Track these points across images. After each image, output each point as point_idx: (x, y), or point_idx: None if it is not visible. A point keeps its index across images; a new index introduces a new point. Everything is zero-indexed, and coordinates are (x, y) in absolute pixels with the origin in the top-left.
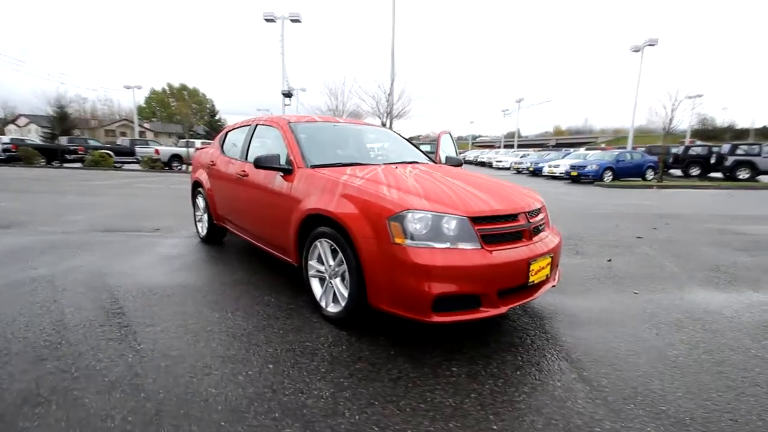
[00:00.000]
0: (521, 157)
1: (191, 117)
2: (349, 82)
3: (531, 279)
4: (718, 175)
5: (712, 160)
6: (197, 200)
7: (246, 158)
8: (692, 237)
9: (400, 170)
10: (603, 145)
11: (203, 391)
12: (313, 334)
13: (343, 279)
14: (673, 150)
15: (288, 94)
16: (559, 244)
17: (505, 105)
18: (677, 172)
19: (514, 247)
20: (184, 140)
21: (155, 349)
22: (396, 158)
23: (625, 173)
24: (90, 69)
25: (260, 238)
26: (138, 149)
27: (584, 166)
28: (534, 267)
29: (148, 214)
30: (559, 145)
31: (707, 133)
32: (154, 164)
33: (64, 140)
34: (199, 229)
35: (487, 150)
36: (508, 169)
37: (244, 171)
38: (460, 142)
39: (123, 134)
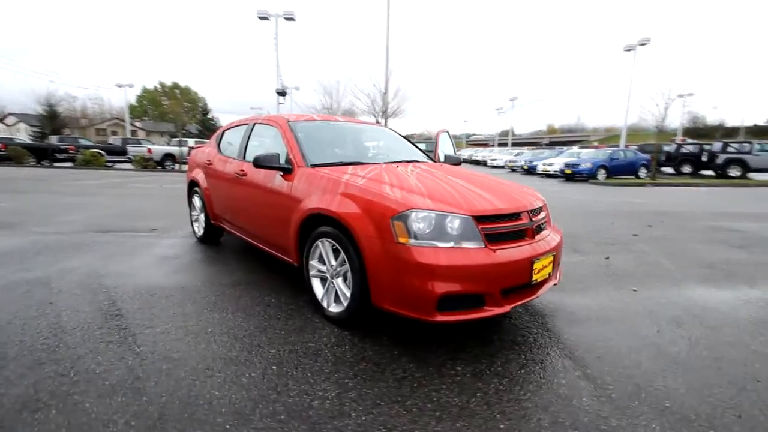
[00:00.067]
0: (516, 155)
1: (183, 116)
2: (343, 80)
3: (534, 278)
4: (710, 172)
5: (704, 158)
6: (193, 200)
7: (244, 157)
8: (687, 234)
9: (401, 169)
10: (596, 143)
11: (206, 394)
12: (315, 335)
13: (345, 279)
14: (666, 148)
15: (282, 93)
16: (561, 243)
17: (499, 104)
18: (669, 169)
19: (518, 246)
20: (177, 139)
21: (155, 351)
22: (396, 157)
23: (618, 171)
24: (80, 67)
25: (259, 238)
26: (130, 148)
27: (578, 165)
28: (537, 266)
29: (143, 214)
30: (552, 144)
31: (698, 131)
32: (146, 163)
33: (55, 139)
34: (196, 229)
35: (481, 148)
36: (503, 167)
37: (242, 170)
38: (455, 141)
39: (114, 133)
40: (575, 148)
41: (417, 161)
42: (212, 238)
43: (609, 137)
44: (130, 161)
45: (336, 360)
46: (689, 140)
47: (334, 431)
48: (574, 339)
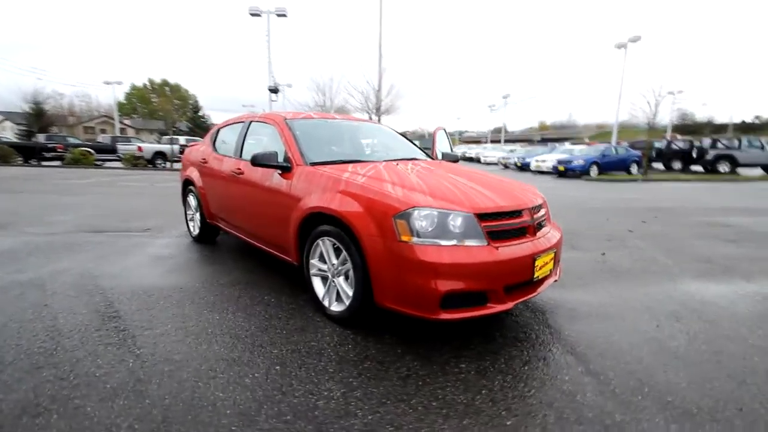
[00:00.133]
0: (509, 152)
1: (174, 113)
2: (337, 77)
3: (536, 274)
4: (699, 168)
5: (694, 154)
6: (188, 199)
7: (240, 156)
8: (681, 229)
9: (401, 167)
10: (587, 140)
11: (210, 396)
12: (317, 334)
13: (346, 277)
14: (656, 144)
15: (275, 90)
16: (561, 240)
17: (491, 101)
18: (660, 165)
19: (520, 244)
20: (168, 137)
21: (156, 353)
22: (394, 155)
23: (610, 167)
24: (67, 64)
25: (257, 237)
26: (120, 146)
27: (571, 161)
28: (539, 263)
29: (136, 213)
30: (544, 140)
31: (687, 128)
32: (137, 162)
33: (42, 138)
34: (191, 228)
35: (474, 145)
36: (496, 164)
37: (239, 169)
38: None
39: (103, 131)
40: (567, 145)
41: (416, 159)
42: (208, 237)
43: (600, 134)
44: (119, 160)
45: (339, 359)
46: (679, 136)
47: (341, 431)
48: (575, 335)
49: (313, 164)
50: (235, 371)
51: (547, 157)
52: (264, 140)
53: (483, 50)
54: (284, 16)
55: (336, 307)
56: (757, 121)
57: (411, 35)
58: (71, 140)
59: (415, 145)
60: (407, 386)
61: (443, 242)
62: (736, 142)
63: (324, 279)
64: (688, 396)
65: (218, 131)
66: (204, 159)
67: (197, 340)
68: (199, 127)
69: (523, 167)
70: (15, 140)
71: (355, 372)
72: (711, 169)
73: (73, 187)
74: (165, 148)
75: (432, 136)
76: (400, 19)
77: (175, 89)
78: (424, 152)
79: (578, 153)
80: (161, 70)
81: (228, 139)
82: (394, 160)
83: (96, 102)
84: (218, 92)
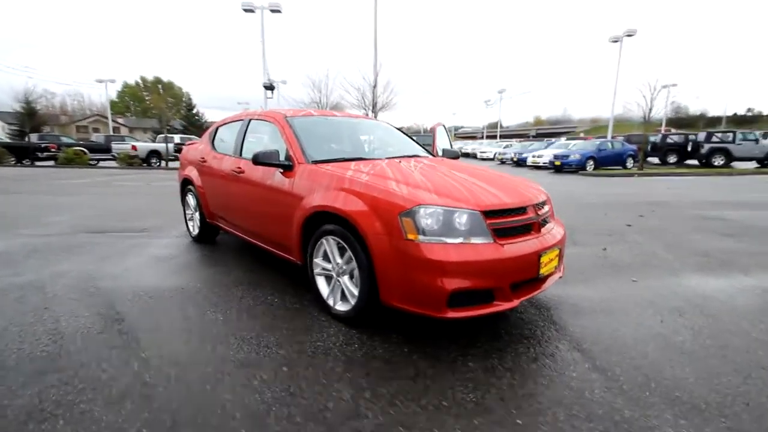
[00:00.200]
0: (505, 147)
1: (167, 111)
2: (332, 74)
3: (541, 271)
4: (695, 162)
5: (689, 148)
6: (187, 198)
7: (240, 154)
8: (679, 224)
9: (404, 164)
10: (582, 135)
11: (219, 398)
12: (323, 334)
13: (351, 277)
14: (651, 138)
15: (270, 87)
16: (565, 236)
17: (486, 96)
18: (655, 159)
19: (525, 240)
20: (163, 135)
21: (162, 355)
22: (396, 152)
23: (606, 162)
24: (58, 62)
25: (258, 236)
26: (114, 145)
27: (567, 156)
28: (544, 259)
29: (133, 213)
30: (539, 135)
31: (681, 121)
32: (131, 161)
33: (35, 137)
34: (191, 228)
35: (470, 141)
36: (492, 159)
37: (239, 167)
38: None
39: (96, 130)
40: (562, 140)
41: (418, 156)
42: (208, 237)
43: (594, 128)
44: (114, 159)
45: (347, 359)
46: (673, 130)
47: None
48: (580, 331)
49: (315, 162)
50: (242, 373)
51: (543, 152)
52: (264, 138)
53: (478, 45)
54: (278, 11)
55: (341, 307)
56: (750, 114)
57: (407, 31)
58: (64, 139)
59: (418, 143)
60: (416, 386)
61: (449, 240)
62: (730, 136)
63: (328, 278)
64: (696, 391)
65: (217, 130)
66: (203, 158)
67: (202, 342)
68: (193, 125)
69: (520, 162)
70: (7, 140)
71: (364, 372)
72: (706, 162)
73: (68, 187)
74: (160, 146)
75: (432, 132)
76: (396, 15)
77: (168, 87)
78: (425, 149)
79: (575, 148)
80: (154, 68)
81: (227, 137)
82: (396, 157)
83: (88, 101)
84: (212, 90)
